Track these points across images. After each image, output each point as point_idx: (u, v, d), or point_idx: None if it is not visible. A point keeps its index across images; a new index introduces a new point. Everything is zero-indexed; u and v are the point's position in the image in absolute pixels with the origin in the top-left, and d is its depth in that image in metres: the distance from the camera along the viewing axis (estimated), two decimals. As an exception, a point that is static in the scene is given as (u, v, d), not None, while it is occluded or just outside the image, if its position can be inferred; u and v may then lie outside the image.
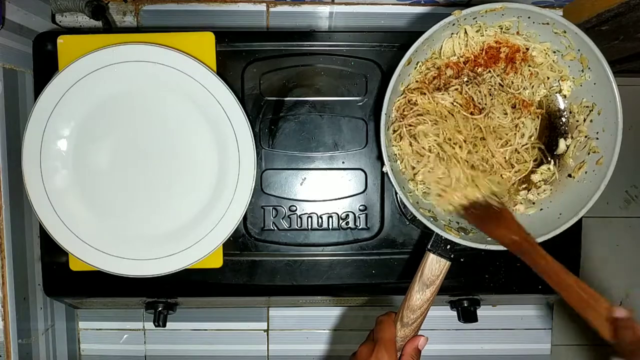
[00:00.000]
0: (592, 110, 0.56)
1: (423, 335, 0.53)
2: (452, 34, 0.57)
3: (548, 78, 0.59)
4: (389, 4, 0.77)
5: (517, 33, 0.57)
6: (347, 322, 0.88)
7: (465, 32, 0.57)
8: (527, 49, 0.58)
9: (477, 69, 0.59)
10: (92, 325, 0.86)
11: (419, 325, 0.54)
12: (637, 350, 0.42)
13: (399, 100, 0.58)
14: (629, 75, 1.10)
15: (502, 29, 0.57)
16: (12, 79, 0.64)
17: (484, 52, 0.58)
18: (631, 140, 1.13)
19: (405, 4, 0.76)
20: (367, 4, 0.77)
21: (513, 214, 0.54)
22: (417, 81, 0.59)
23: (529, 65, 0.59)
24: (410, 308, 0.53)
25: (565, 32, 0.54)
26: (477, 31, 0.57)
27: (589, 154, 0.57)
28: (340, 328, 0.88)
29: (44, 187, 0.60)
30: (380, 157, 0.64)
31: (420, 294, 0.54)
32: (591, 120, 0.57)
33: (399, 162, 0.59)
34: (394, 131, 0.59)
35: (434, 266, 0.54)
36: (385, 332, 0.52)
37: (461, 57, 0.59)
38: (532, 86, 0.59)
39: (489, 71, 0.58)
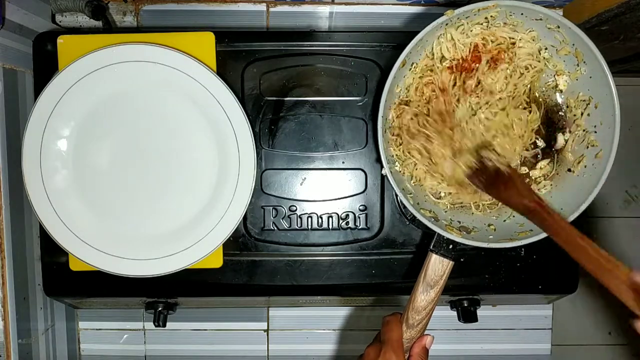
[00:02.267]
0: (589, 103, 0.56)
1: (429, 335, 0.53)
2: (439, 36, 0.57)
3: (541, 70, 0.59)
4: (389, 4, 0.77)
5: (505, 24, 0.57)
6: (348, 322, 0.88)
7: (452, 36, 0.57)
8: (514, 44, 0.58)
9: (467, 81, 0.58)
10: (92, 325, 0.86)
11: (425, 326, 0.54)
12: None
13: (393, 111, 0.59)
14: (629, 75, 1.11)
15: (487, 21, 0.57)
16: (12, 79, 0.64)
17: (471, 54, 0.58)
18: (631, 141, 1.13)
19: (405, 4, 0.76)
20: (367, 4, 0.77)
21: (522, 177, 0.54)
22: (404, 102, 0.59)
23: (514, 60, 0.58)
24: (415, 309, 0.53)
25: (559, 27, 0.54)
26: (462, 33, 0.57)
27: (587, 147, 0.57)
28: (341, 328, 0.88)
29: (44, 187, 0.60)
30: (379, 159, 0.64)
31: (424, 295, 0.53)
32: (589, 114, 0.57)
33: (397, 163, 0.59)
34: (393, 134, 0.59)
35: (437, 266, 0.54)
36: (393, 333, 0.51)
37: (453, 60, 0.58)
38: (510, 84, 0.58)
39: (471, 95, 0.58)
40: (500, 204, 0.59)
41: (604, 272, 0.43)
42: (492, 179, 0.53)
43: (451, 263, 0.54)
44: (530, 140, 0.59)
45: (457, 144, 0.57)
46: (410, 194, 0.58)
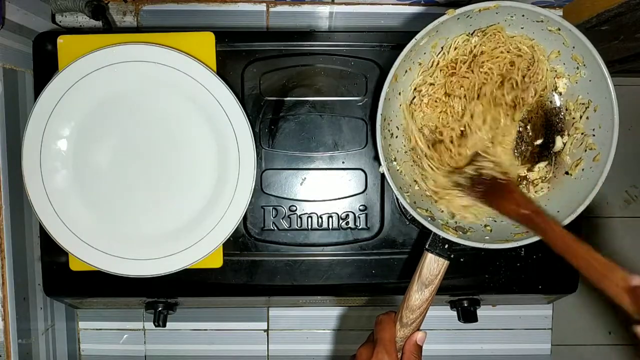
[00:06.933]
0: (588, 107, 0.56)
1: (421, 331, 0.53)
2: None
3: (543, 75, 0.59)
4: (389, 4, 0.77)
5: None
6: (348, 322, 0.88)
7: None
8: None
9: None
10: (92, 325, 0.86)
11: (419, 325, 0.54)
12: None
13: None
14: (629, 75, 1.11)
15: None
16: (12, 79, 0.64)
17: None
18: (631, 141, 1.13)
19: (405, 4, 0.76)
20: (367, 4, 0.77)
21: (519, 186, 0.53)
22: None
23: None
24: (410, 308, 0.53)
25: (559, 29, 0.54)
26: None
27: (585, 150, 0.57)
28: (341, 328, 0.88)
29: (44, 187, 0.60)
30: (378, 158, 0.64)
31: (419, 294, 0.53)
32: (587, 117, 0.57)
33: (395, 162, 0.59)
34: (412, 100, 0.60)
35: (432, 266, 0.54)
36: (386, 332, 0.51)
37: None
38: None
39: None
40: None
41: (602, 277, 0.43)
42: (489, 188, 0.53)
43: (446, 262, 0.54)
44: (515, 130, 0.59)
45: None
46: (408, 192, 0.58)
